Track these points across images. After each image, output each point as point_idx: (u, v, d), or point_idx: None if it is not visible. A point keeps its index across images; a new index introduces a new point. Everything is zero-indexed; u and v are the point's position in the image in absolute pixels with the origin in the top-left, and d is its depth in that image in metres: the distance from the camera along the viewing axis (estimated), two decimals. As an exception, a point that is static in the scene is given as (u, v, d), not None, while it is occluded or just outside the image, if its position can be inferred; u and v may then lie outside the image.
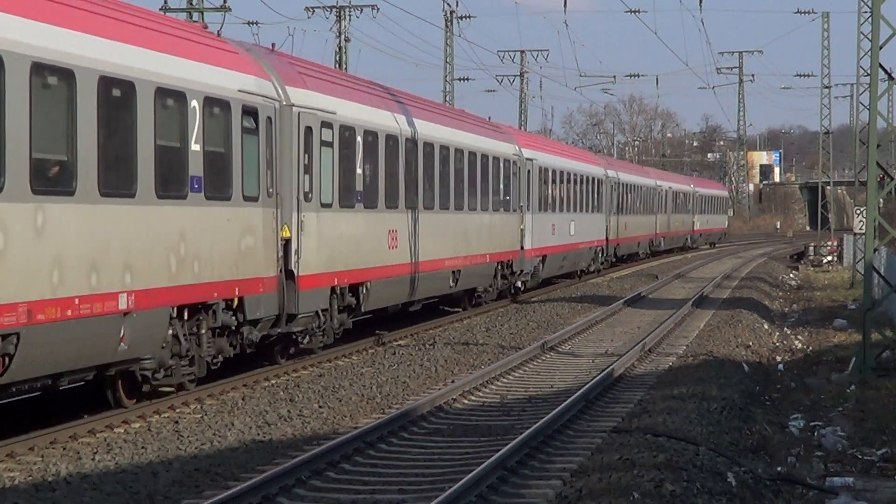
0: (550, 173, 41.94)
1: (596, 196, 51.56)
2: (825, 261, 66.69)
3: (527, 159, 38.84)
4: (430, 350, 25.33)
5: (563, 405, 17.43)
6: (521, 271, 37.90)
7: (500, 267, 35.57)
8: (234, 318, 19.09)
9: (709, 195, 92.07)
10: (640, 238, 64.49)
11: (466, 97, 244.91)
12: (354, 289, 24.11)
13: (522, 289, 39.12)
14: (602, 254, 52.96)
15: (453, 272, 30.73)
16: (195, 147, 17.89)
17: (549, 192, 41.86)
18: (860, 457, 15.64)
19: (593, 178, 51.08)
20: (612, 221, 55.16)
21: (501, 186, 36.03)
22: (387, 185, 25.85)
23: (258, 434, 16.22)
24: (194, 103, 17.87)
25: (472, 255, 32.25)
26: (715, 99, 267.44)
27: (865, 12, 44.55)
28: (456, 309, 33.78)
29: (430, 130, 29.08)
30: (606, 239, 53.67)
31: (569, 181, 45.42)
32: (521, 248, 37.59)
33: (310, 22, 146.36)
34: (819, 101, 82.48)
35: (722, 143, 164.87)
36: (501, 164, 36.03)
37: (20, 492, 12.83)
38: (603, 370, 21.71)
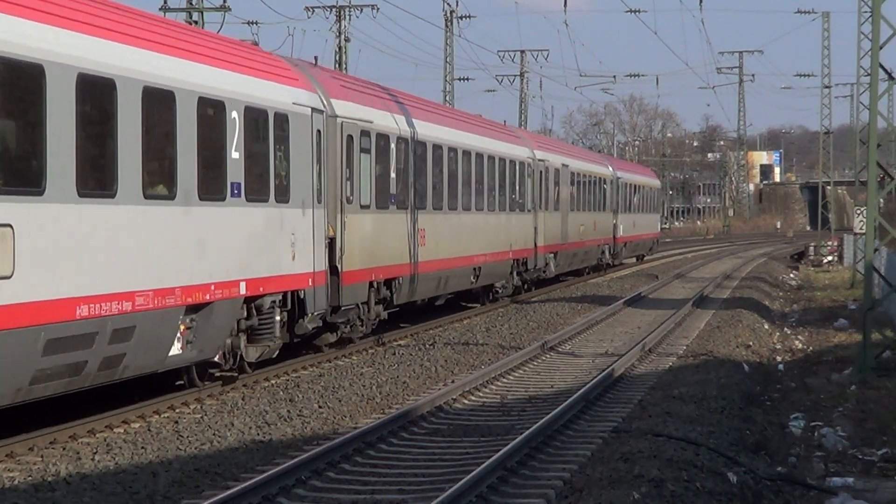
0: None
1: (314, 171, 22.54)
2: (825, 261, 66.68)
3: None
4: (430, 350, 25.33)
5: (563, 405, 17.42)
6: None
7: None
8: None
9: (638, 184, 63.38)
10: (493, 258, 34.53)
11: (466, 97, 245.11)
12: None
13: None
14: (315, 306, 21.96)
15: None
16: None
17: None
18: (860, 457, 15.64)
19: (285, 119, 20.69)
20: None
21: None
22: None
23: (258, 434, 16.22)
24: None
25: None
26: (715, 99, 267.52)
27: (866, 12, 44.58)
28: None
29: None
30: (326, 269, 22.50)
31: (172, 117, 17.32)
32: None
33: (310, 22, 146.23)
34: (819, 101, 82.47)
35: (722, 143, 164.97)
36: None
37: (20, 492, 12.84)
38: (603, 370, 21.70)
